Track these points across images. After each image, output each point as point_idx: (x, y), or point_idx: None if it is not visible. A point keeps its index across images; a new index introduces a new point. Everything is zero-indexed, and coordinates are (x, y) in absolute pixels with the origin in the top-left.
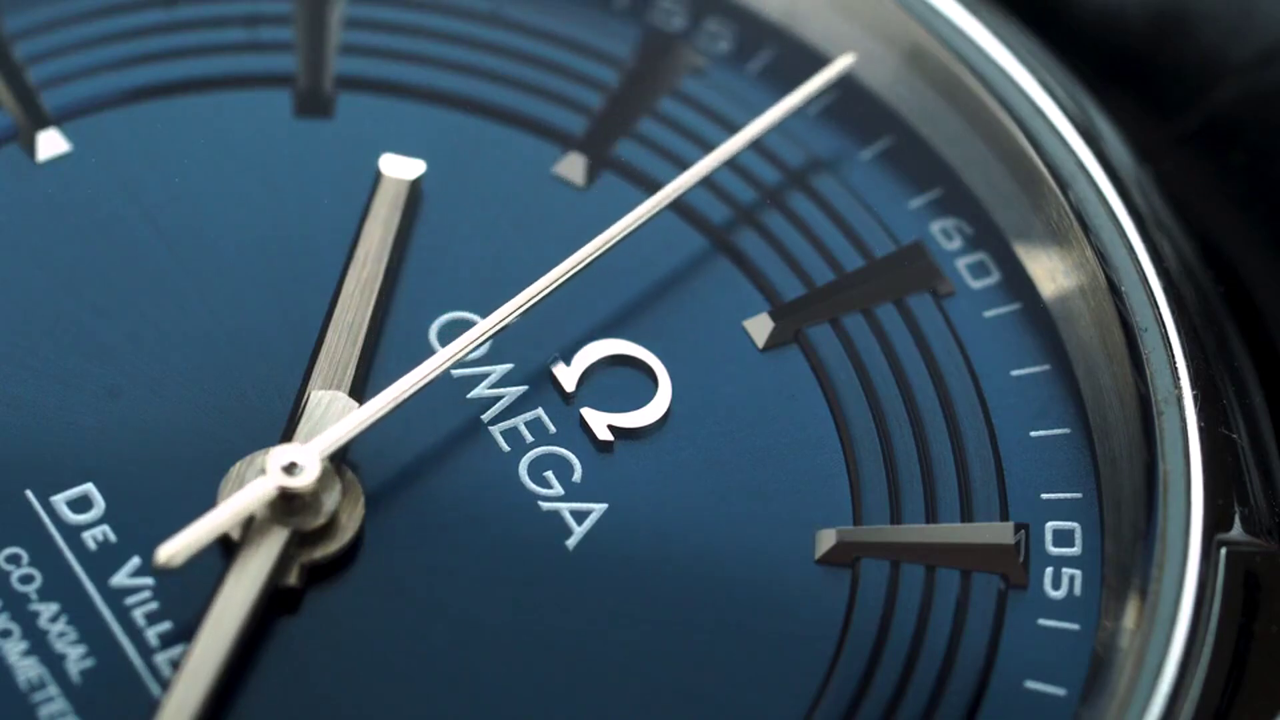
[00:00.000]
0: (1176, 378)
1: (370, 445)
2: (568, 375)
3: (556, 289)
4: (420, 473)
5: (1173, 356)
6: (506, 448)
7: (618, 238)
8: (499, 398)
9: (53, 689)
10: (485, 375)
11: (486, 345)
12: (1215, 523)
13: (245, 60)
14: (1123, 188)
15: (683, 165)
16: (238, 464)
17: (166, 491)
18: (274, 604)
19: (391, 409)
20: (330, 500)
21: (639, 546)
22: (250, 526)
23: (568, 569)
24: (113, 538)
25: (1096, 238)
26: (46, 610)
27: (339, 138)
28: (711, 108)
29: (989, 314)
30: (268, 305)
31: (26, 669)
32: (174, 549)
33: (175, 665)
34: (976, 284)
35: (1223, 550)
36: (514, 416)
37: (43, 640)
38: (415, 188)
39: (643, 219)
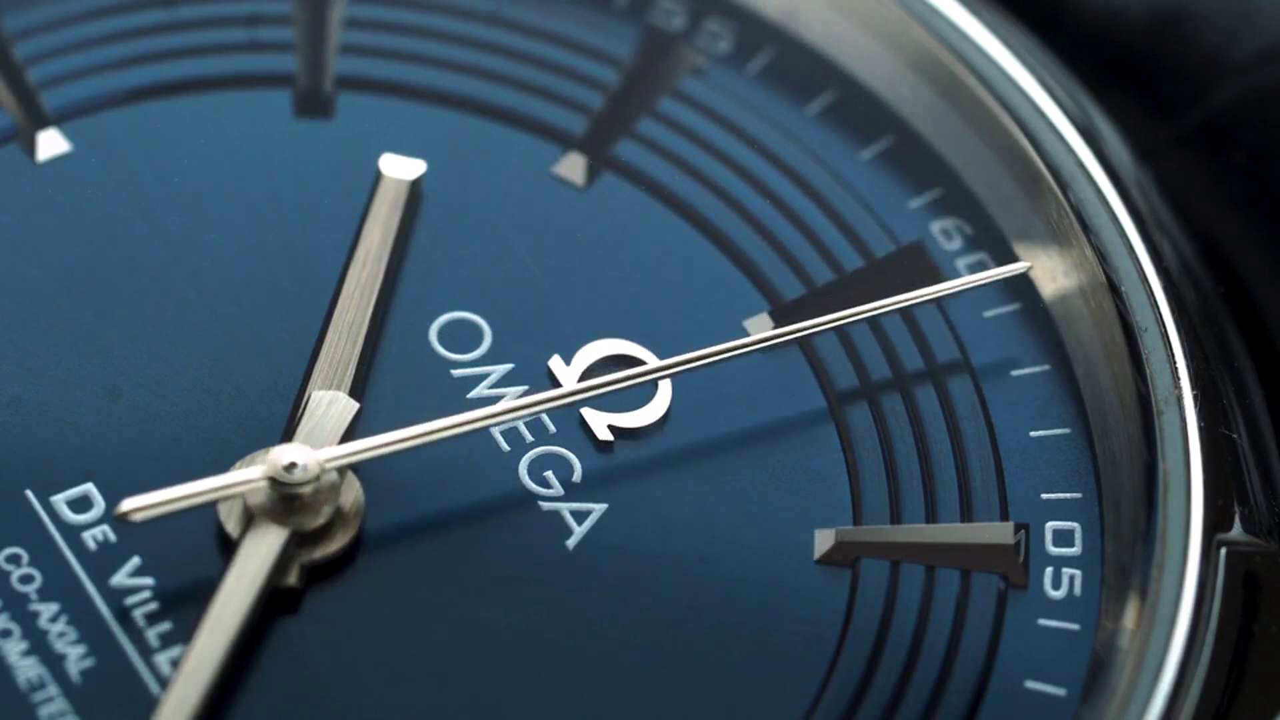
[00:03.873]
0: (1176, 378)
1: None
2: (568, 375)
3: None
4: (420, 473)
5: (1173, 356)
6: (506, 448)
7: (736, 353)
8: (499, 398)
9: (53, 689)
10: (485, 375)
11: (487, 345)
12: (1215, 523)
13: (245, 60)
14: (1123, 188)
15: (682, 165)
16: (238, 463)
17: None
18: (274, 604)
19: (412, 445)
20: (330, 502)
21: (639, 546)
22: (249, 526)
23: (568, 569)
24: (113, 538)
25: (1096, 238)
26: (46, 610)
27: (339, 138)
28: (711, 108)
29: (989, 314)
30: (268, 305)
31: (26, 669)
32: (138, 504)
33: (175, 665)
34: None
35: (1223, 550)
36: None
37: (43, 640)
38: (415, 188)
39: (764, 344)
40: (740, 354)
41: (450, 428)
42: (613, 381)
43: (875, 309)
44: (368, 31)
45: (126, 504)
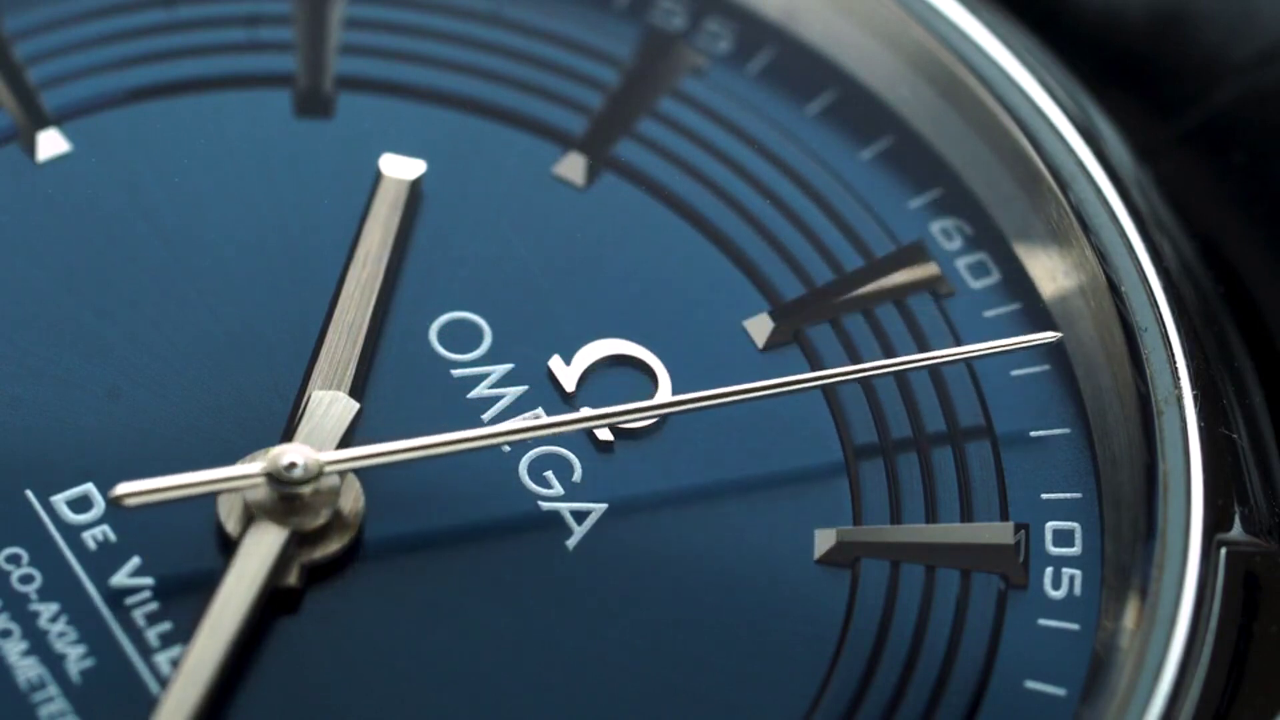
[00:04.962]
0: (1176, 378)
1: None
2: (568, 375)
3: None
4: (420, 472)
5: (1173, 356)
6: (507, 448)
7: (756, 395)
8: (499, 397)
9: (53, 689)
10: (485, 375)
11: (487, 345)
12: (1215, 523)
13: (245, 60)
14: (1123, 188)
15: (682, 165)
16: (239, 463)
17: None
18: (274, 604)
19: (418, 456)
20: (330, 502)
21: (639, 547)
22: (249, 525)
23: (568, 569)
24: (113, 538)
25: (1096, 238)
26: (46, 610)
27: (339, 138)
28: (711, 108)
29: (989, 314)
30: (268, 305)
31: (26, 669)
32: (132, 488)
33: (175, 665)
34: (976, 284)
35: (1223, 550)
36: (514, 416)
37: (43, 640)
38: (415, 188)
39: (794, 388)
40: (756, 392)
41: (454, 442)
42: (626, 413)
43: (903, 364)
44: (368, 31)
45: (121, 488)
